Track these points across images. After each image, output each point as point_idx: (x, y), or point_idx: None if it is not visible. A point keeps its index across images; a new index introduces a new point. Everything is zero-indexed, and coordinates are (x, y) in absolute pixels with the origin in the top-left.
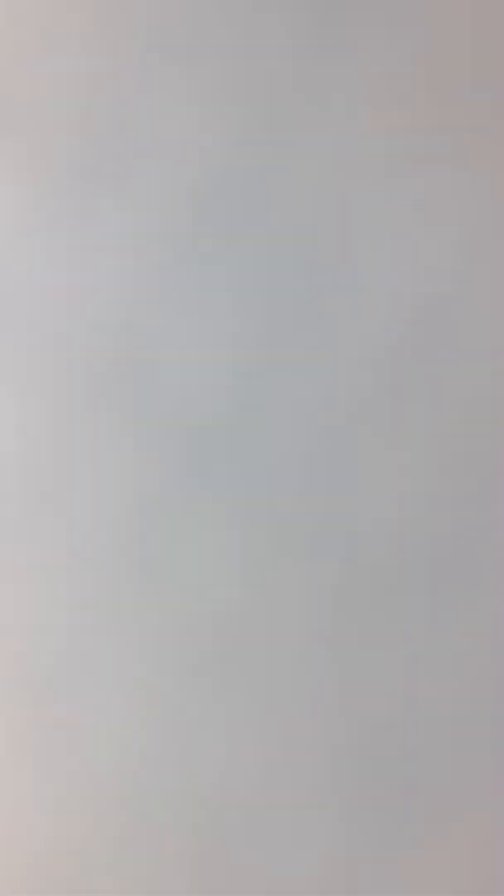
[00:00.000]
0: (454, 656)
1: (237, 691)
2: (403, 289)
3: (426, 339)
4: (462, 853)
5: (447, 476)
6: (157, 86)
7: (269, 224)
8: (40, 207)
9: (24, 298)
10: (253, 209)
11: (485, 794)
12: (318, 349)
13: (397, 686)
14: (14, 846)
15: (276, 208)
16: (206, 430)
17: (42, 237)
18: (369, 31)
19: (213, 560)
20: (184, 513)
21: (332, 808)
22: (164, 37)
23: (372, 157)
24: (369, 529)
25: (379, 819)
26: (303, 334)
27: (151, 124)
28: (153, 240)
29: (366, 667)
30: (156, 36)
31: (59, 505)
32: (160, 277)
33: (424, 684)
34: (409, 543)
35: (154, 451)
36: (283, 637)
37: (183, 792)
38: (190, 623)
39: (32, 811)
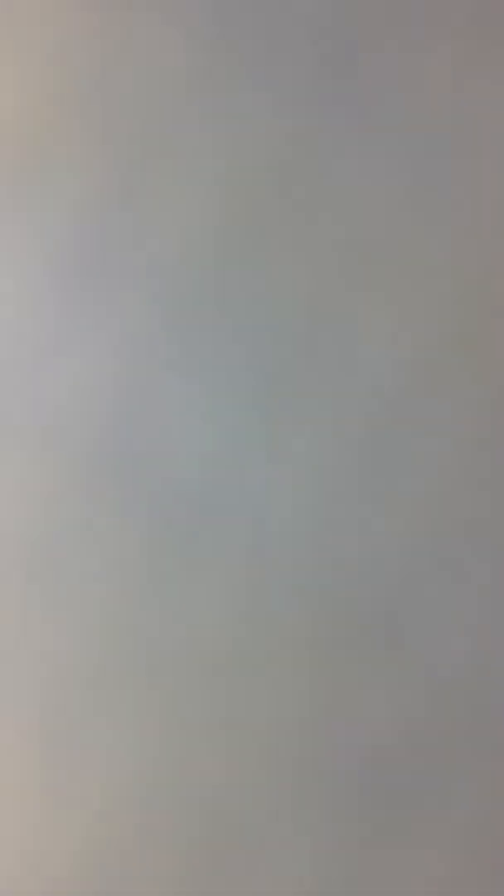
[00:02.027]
0: (454, 671)
1: (232, 707)
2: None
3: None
4: (453, 868)
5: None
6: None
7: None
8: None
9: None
10: (245, 308)
11: (475, 811)
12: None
13: (392, 705)
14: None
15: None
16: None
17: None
18: (370, 108)
19: (209, 594)
20: (183, 581)
21: (325, 823)
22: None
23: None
24: (369, 568)
25: (373, 838)
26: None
27: (145, 224)
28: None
29: (360, 686)
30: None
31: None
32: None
33: (418, 703)
34: (406, 575)
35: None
36: (278, 655)
37: (178, 808)
38: (189, 638)
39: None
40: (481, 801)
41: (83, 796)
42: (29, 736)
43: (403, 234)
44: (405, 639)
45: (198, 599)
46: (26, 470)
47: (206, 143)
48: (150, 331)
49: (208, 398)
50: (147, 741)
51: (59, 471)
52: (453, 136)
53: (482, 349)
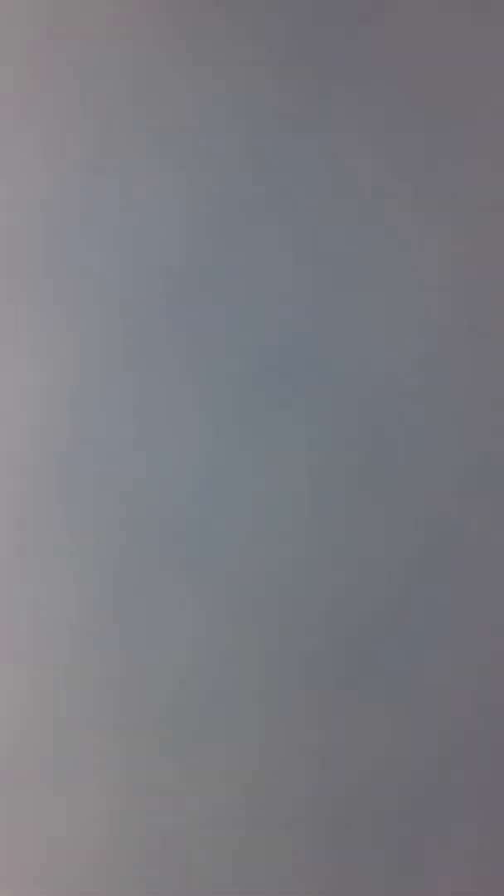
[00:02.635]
0: (431, 709)
1: (211, 744)
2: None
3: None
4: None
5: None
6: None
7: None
8: None
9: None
10: (215, 308)
11: (462, 850)
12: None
13: (376, 740)
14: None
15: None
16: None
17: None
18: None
19: (188, 629)
20: (150, 596)
21: (308, 864)
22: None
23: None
24: (356, 609)
25: (354, 875)
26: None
27: (100, 227)
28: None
29: (345, 722)
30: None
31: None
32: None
33: (402, 742)
34: (385, 614)
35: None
36: (258, 690)
37: (158, 849)
38: (164, 676)
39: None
40: (472, 857)
41: (38, 820)
42: None
43: (401, 232)
44: (381, 662)
45: (166, 617)
46: None
47: (167, 150)
48: (111, 333)
49: (173, 404)
50: (109, 771)
51: (25, 481)
52: (457, 133)
53: (481, 352)
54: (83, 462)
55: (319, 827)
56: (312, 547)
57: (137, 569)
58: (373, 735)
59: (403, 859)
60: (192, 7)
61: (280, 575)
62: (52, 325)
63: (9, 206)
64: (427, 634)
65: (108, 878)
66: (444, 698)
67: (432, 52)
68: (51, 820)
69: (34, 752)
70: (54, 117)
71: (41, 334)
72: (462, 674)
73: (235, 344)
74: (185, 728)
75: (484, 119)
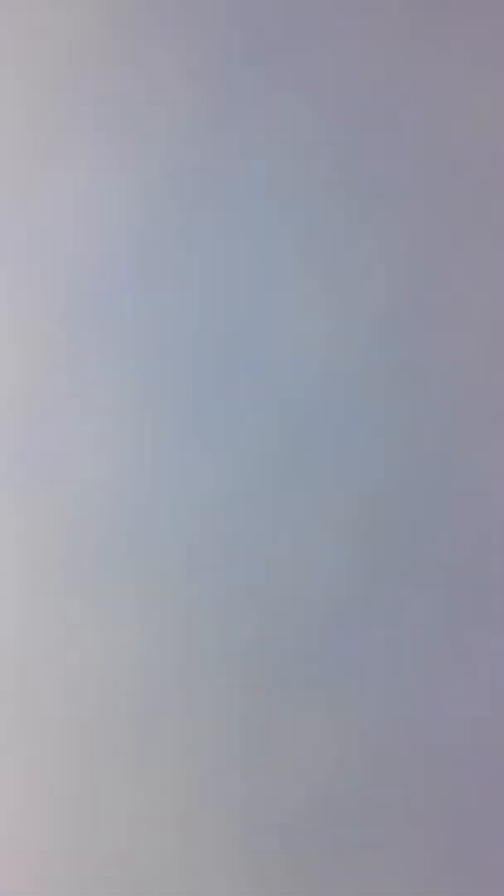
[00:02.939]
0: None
1: (144, 779)
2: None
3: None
4: None
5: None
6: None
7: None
8: None
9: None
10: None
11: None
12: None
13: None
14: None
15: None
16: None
17: None
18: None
19: (118, 623)
20: (90, 606)
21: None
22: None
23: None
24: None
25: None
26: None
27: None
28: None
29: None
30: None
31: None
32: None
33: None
34: (317, 644)
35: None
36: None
37: (91, 873)
38: (100, 708)
39: None
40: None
41: None
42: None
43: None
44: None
45: (106, 629)
46: None
47: (108, 153)
48: (51, 333)
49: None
50: (53, 784)
51: None
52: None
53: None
54: (24, 465)
55: (248, 831)
56: (251, 554)
57: (78, 572)
58: (310, 744)
59: (341, 864)
60: None
61: (212, 582)
62: None
63: None
64: (365, 650)
65: (47, 881)
66: (383, 713)
67: None
68: None
69: None
70: None
71: None
72: (400, 689)
73: (169, 339)
74: (121, 736)
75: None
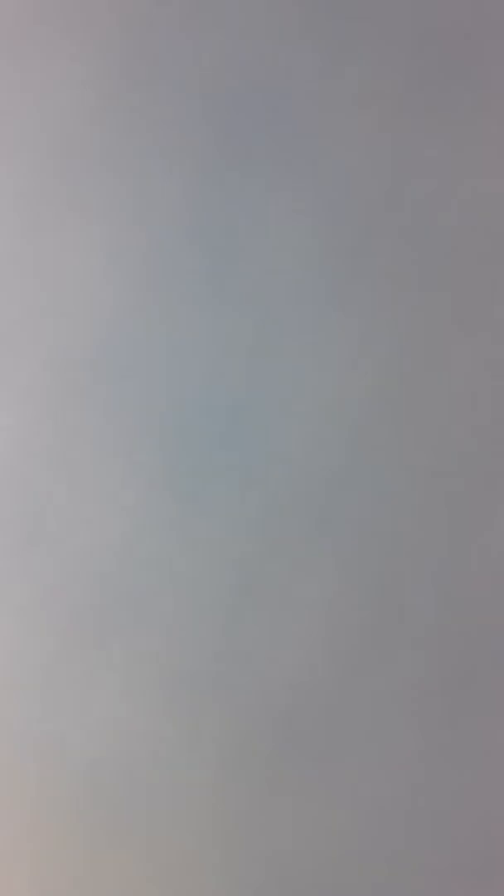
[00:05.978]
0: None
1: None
2: None
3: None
4: None
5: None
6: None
7: None
8: None
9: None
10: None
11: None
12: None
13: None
14: None
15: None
16: None
17: None
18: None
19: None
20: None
21: None
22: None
23: None
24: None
25: None
26: None
27: None
28: None
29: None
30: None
31: None
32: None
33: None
34: (292, 701)
35: None
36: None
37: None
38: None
39: None
40: None
41: None
42: None
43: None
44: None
45: (85, 686)
46: None
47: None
48: (42, 386)
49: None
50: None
51: None
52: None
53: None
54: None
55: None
56: (245, 624)
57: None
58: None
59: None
60: None
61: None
62: None
63: None
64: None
65: None
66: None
67: None
68: None
69: None
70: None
71: None
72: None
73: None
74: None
75: None
